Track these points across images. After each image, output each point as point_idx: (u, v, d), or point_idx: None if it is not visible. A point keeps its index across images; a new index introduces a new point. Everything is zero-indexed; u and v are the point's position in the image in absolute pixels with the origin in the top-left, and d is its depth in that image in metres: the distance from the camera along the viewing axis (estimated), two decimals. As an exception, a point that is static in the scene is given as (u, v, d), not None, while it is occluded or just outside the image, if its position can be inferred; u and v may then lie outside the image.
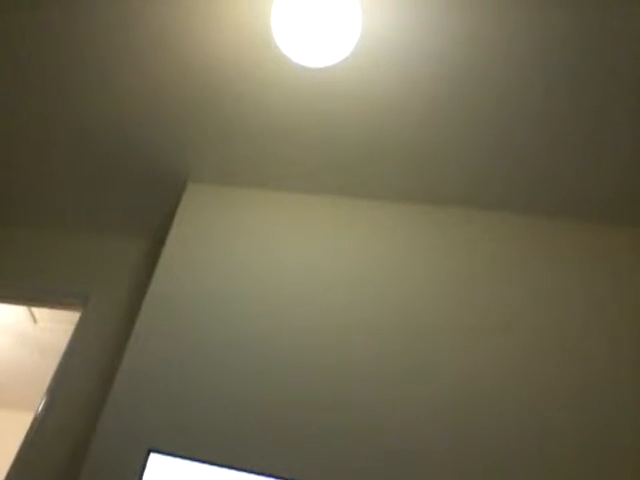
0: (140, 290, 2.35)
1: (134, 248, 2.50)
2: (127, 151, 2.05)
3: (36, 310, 3.31)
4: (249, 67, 1.64)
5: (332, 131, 1.80)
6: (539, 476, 1.46)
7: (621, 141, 1.61)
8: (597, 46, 1.39)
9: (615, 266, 1.81)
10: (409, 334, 1.72)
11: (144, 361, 1.71)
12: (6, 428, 4.64)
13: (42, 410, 2.06)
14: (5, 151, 2.17)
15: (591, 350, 1.66)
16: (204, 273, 1.89)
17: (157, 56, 1.66)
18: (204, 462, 1.51)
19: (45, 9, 1.57)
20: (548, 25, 1.37)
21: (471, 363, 1.66)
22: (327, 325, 1.75)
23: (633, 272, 1.78)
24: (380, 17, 1.43)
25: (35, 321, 3.42)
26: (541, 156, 1.72)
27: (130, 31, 1.60)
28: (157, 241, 2.52)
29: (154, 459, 1.51)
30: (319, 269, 1.87)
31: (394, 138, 1.77)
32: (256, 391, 1.63)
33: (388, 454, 1.52)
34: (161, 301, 1.83)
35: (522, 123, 1.63)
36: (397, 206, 2.01)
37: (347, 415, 1.58)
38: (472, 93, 1.58)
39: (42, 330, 3.51)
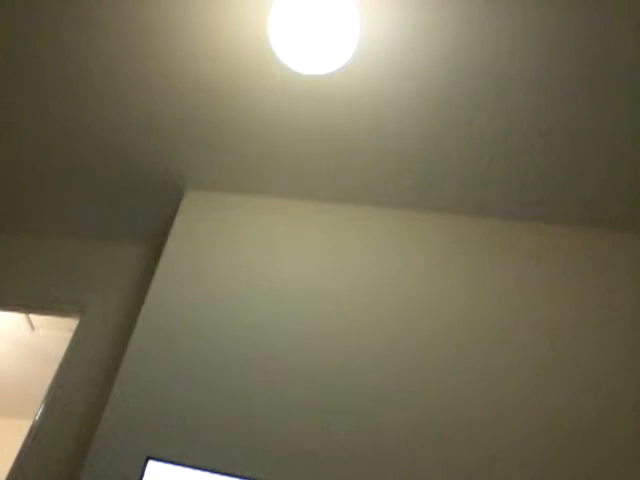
0: (138, 297, 2.35)
1: (132, 255, 2.50)
2: (125, 159, 2.06)
3: (34, 317, 3.31)
4: (247, 75, 1.65)
5: (331, 138, 1.80)
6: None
7: (623, 146, 1.62)
8: (602, 47, 1.40)
9: (623, 273, 1.81)
10: (409, 344, 1.72)
11: (142, 368, 1.70)
12: (4, 436, 4.62)
13: (40, 417, 2.05)
14: (4, 159, 2.17)
15: (596, 357, 1.66)
16: (202, 280, 1.89)
17: (153, 64, 1.67)
18: (202, 469, 1.50)
19: (37, 25, 1.58)
20: (550, 27, 1.38)
21: (474, 376, 1.66)
22: (326, 335, 1.75)
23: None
24: (378, 23, 1.43)
25: (33, 328, 3.41)
26: (545, 162, 1.73)
27: (125, 40, 1.61)
28: (155, 248, 2.52)
29: (152, 466, 1.50)
30: (319, 277, 1.87)
31: (395, 144, 1.78)
32: (254, 399, 1.63)
33: (388, 469, 1.51)
34: (159, 308, 1.83)
35: (525, 127, 1.63)
36: (398, 213, 2.02)
37: (345, 425, 1.58)
38: (475, 97, 1.58)
39: (40, 337, 3.50)
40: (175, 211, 2.30)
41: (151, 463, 1.51)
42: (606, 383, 1.60)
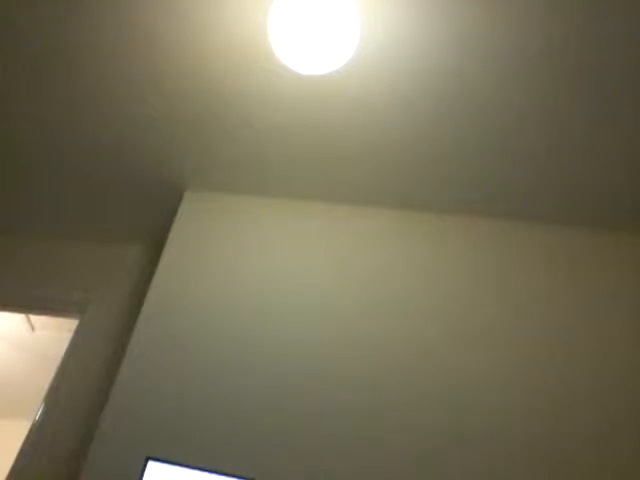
0: (138, 298, 2.35)
1: (132, 255, 2.50)
2: (124, 159, 2.06)
3: (34, 317, 3.31)
4: (246, 75, 1.65)
5: (331, 139, 1.80)
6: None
7: (624, 146, 1.62)
8: (602, 46, 1.40)
9: (625, 273, 1.81)
10: (412, 345, 1.72)
11: (142, 368, 1.70)
12: (4, 436, 4.62)
13: (40, 418, 2.05)
14: (3, 159, 2.17)
15: (597, 357, 1.66)
16: (202, 281, 1.89)
17: (152, 66, 1.67)
18: (202, 469, 1.50)
19: (37, 24, 1.58)
20: (552, 29, 1.38)
21: (471, 377, 1.66)
22: (325, 336, 1.75)
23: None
24: (378, 23, 1.43)
25: (33, 329, 3.41)
26: (546, 161, 1.73)
27: (122, 41, 1.61)
28: (155, 248, 2.52)
29: (152, 467, 1.50)
30: (319, 278, 1.87)
31: (395, 145, 1.78)
32: (254, 399, 1.63)
33: (389, 471, 1.51)
34: (159, 309, 1.83)
35: (527, 127, 1.64)
36: (398, 213, 2.02)
37: (346, 427, 1.58)
38: (476, 98, 1.58)
39: (40, 338, 3.50)
40: (175, 211, 2.30)
41: (151, 463, 1.51)
42: (608, 383, 1.60)
